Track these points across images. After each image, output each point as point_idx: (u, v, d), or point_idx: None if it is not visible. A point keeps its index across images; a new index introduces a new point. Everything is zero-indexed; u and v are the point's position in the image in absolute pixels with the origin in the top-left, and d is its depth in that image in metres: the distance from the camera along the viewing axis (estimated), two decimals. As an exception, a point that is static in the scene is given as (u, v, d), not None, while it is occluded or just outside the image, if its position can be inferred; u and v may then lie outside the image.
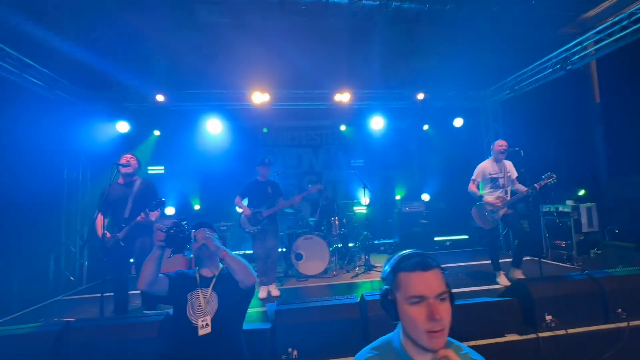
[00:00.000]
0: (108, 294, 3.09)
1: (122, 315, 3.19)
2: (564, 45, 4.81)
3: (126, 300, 3.34)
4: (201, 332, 1.65)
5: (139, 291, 3.45)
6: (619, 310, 2.51)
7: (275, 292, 4.05)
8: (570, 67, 4.85)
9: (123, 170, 3.31)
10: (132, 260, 3.37)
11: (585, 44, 4.61)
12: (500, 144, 4.07)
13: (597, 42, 4.48)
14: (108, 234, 3.16)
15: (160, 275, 1.73)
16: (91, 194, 5.65)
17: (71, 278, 5.13)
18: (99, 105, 5.66)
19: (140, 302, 3.39)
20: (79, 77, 5.04)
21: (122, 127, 5.84)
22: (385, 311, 0.99)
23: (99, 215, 3.19)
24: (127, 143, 5.86)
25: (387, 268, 1.00)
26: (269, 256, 4.13)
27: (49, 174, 4.95)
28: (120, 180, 3.39)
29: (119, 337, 2.13)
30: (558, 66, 4.98)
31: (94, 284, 5.34)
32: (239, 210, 4.17)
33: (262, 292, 3.99)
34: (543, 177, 3.70)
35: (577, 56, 4.74)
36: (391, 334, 1.04)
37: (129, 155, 3.41)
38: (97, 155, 5.54)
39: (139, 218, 3.13)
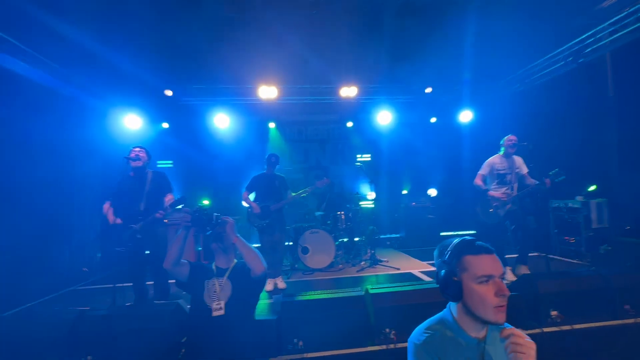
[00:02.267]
0: (121, 285, 3.18)
1: (136, 305, 3.29)
2: (577, 37, 4.68)
3: (146, 290, 3.42)
4: (215, 313, 1.80)
5: (151, 282, 3.53)
6: (627, 306, 2.49)
7: (281, 284, 4.12)
8: (583, 59, 4.74)
9: (133, 164, 3.33)
10: (147, 252, 3.45)
11: (599, 35, 4.48)
12: (511, 138, 4.01)
13: (611, 33, 4.36)
14: (118, 220, 3.22)
15: (183, 260, 1.92)
16: (102, 187, 5.78)
17: (84, 269, 5.28)
18: (109, 99, 5.75)
19: (153, 293, 3.48)
20: (89, 72, 5.11)
21: (132, 120, 5.93)
22: (446, 292, 1.09)
23: (107, 204, 3.25)
24: (136, 137, 5.95)
25: (449, 253, 1.11)
26: (275, 250, 4.18)
27: (61, 168, 5.05)
28: (132, 173, 3.42)
29: (131, 326, 2.20)
30: (570, 59, 4.87)
31: (107, 274, 5.48)
32: (245, 204, 4.22)
33: (268, 285, 4.05)
34: (550, 173, 3.64)
35: (590, 48, 4.62)
36: (440, 314, 1.16)
37: (137, 149, 3.41)
38: (107, 148, 5.65)
39: (157, 215, 3.21)
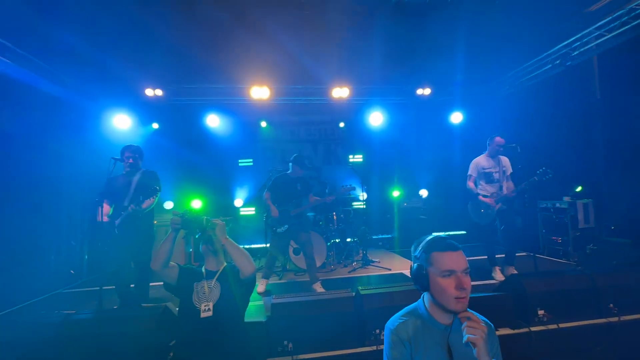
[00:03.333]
0: (107, 287, 3.12)
1: (123, 308, 3.24)
2: (564, 41, 4.78)
3: (129, 293, 3.36)
4: (203, 314, 1.79)
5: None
6: (611, 305, 2.55)
7: (319, 289, 3.85)
8: (570, 62, 4.83)
9: (125, 164, 3.37)
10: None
11: (585, 39, 4.58)
12: (499, 141, 4.05)
13: (597, 37, 4.45)
14: (106, 218, 3.18)
15: (172, 263, 1.90)
16: (90, 187, 5.66)
17: (71, 271, 5.18)
18: (99, 100, 5.65)
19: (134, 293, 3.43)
20: (79, 72, 5.02)
21: (121, 120, 5.84)
22: (417, 283, 1.23)
23: (104, 203, 3.21)
24: (126, 137, 5.86)
25: (420, 249, 1.25)
26: (304, 252, 3.99)
27: (49, 170, 4.95)
28: (124, 172, 3.44)
29: (117, 329, 2.17)
30: (558, 62, 4.96)
31: (94, 277, 5.38)
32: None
33: (261, 286, 4.00)
34: (538, 172, 3.69)
35: (577, 52, 4.71)
36: (414, 304, 1.30)
37: (128, 152, 3.42)
38: (96, 149, 5.54)
39: (129, 209, 3.16)
